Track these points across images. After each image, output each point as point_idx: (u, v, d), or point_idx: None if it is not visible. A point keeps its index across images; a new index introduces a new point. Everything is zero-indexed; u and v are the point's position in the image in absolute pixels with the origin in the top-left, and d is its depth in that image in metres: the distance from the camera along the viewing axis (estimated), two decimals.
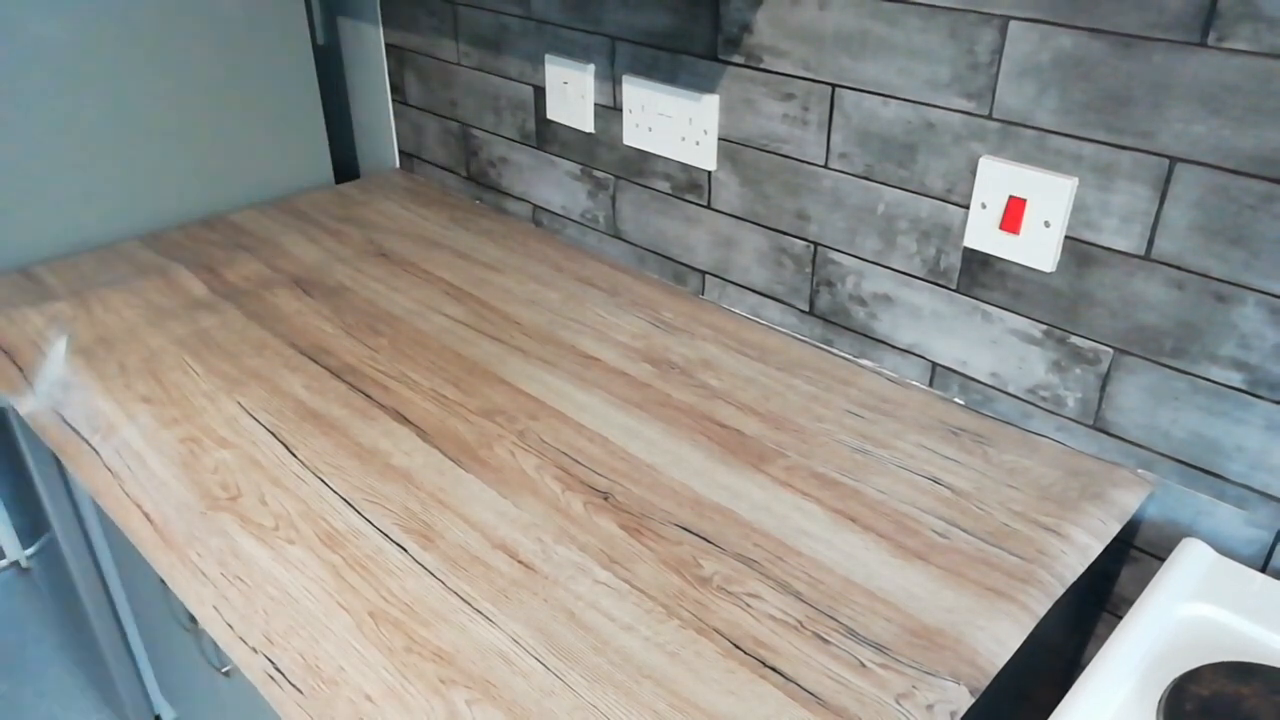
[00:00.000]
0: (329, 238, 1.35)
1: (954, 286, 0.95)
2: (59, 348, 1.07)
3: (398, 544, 0.79)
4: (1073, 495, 0.86)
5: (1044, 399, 0.92)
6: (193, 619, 0.94)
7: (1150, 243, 0.81)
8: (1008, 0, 0.82)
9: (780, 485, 0.87)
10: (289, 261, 1.28)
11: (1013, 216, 0.87)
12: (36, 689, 1.62)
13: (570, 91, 1.24)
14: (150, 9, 1.30)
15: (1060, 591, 0.76)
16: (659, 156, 1.18)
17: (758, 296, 1.14)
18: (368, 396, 0.99)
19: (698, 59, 1.08)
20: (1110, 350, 0.86)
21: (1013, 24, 0.82)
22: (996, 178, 0.87)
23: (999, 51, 0.84)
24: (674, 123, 1.13)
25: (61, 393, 0.99)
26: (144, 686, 1.38)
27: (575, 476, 0.88)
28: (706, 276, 1.19)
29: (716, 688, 0.67)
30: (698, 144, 1.12)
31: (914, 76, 0.90)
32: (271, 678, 0.68)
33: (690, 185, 1.16)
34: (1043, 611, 0.74)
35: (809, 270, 1.07)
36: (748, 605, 0.74)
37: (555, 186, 1.35)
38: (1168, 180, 0.78)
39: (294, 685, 0.67)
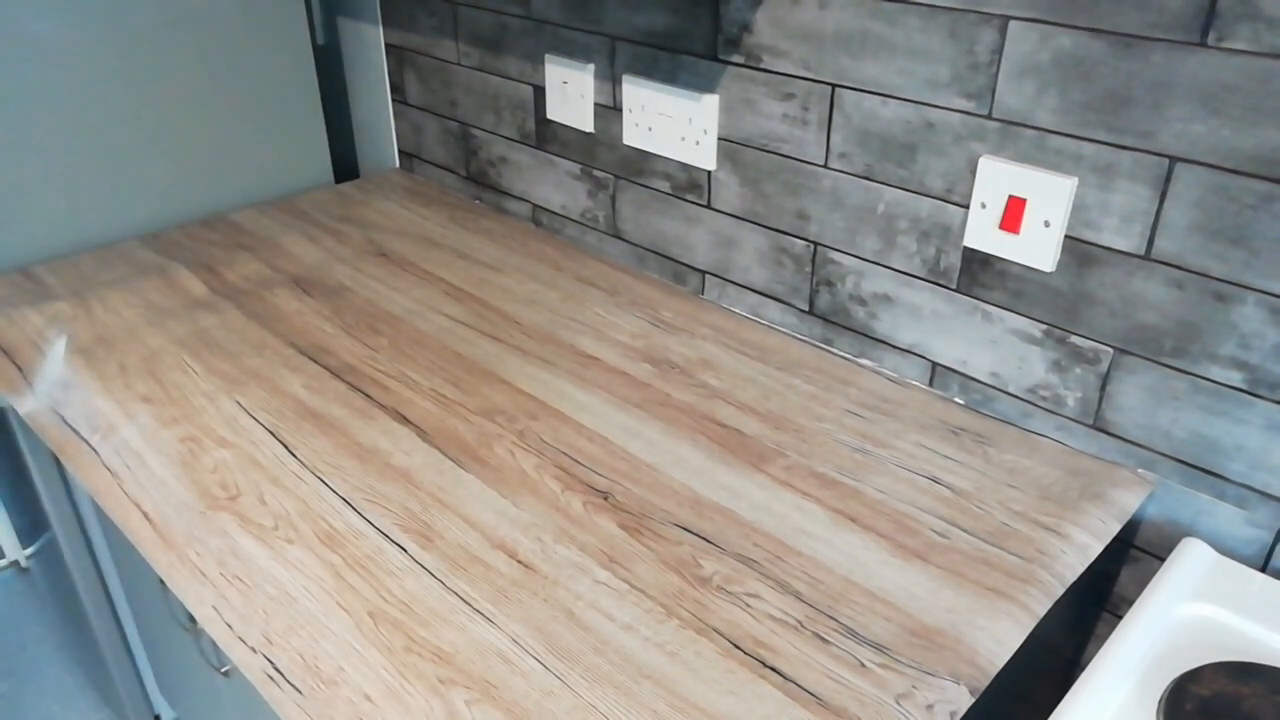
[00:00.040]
0: (329, 237, 1.35)
1: (954, 286, 0.95)
2: (59, 347, 1.07)
3: (397, 544, 0.79)
4: (1073, 495, 0.86)
5: (1044, 398, 0.92)
6: (192, 619, 0.94)
7: (1150, 242, 0.81)
8: (1007, 0, 0.82)
9: (780, 485, 0.87)
10: (289, 261, 1.28)
11: (1013, 216, 0.87)
12: (36, 689, 1.62)
13: (570, 91, 1.24)
14: (150, 9, 1.30)
15: (1060, 591, 0.76)
16: (659, 156, 1.18)
17: (758, 296, 1.14)
18: (367, 396, 0.99)
19: (698, 59, 1.08)
20: (1110, 350, 0.86)
21: (1012, 24, 0.82)
22: (996, 177, 0.87)
23: (999, 51, 0.84)
24: (674, 122, 1.13)
25: (61, 392, 0.99)
26: (143, 686, 1.38)
27: (575, 476, 0.88)
28: (706, 276, 1.19)
29: (716, 688, 0.67)
30: (697, 144, 1.12)
31: (914, 76, 0.90)
32: (271, 678, 0.68)
33: (690, 185, 1.16)
34: (1043, 611, 0.74)
35: (809, 270, 1.07)
36: (747, 605, 0.74)
37: (555, 186, 1.35)
38: (1168, 180, 0.78)
39: (293, 685, 0.67)
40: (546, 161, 1.34)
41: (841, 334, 1.07)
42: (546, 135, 1.32)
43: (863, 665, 0.69)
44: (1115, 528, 0.83)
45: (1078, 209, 0.84)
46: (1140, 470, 0.88)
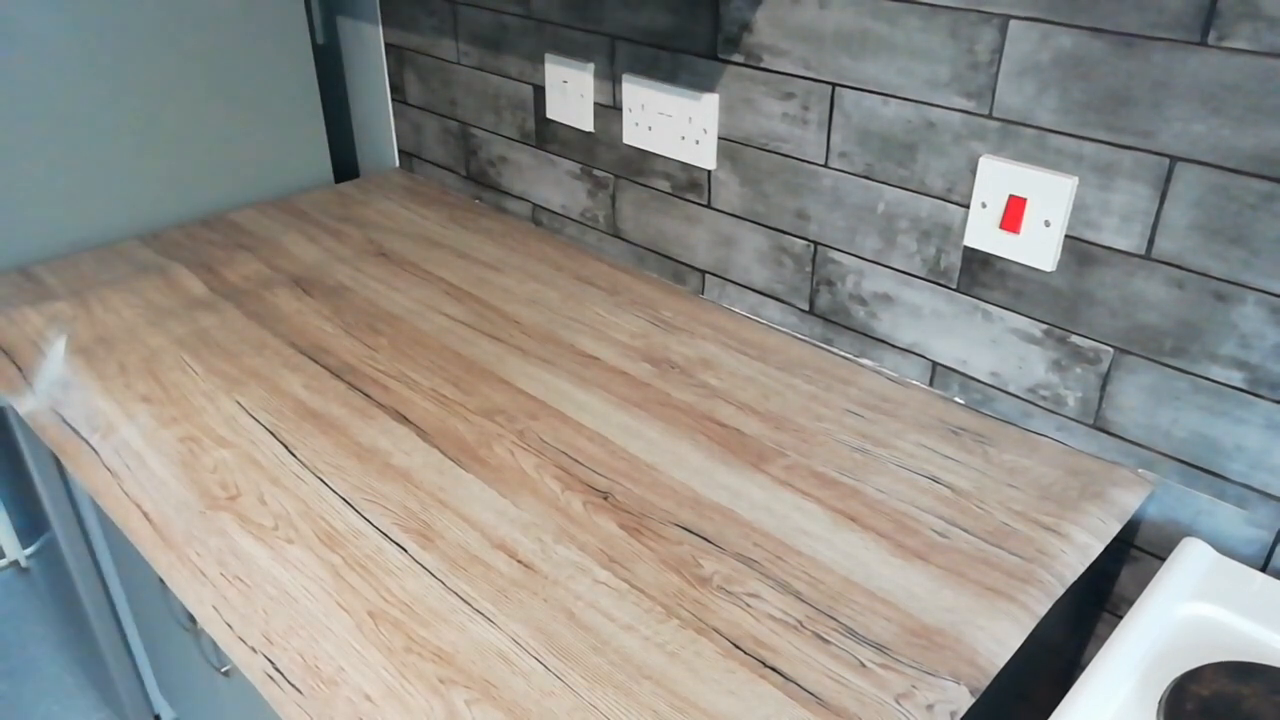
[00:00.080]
0: (329, 237, 1.35)
1: (954, 286, 0.95)
2: (58, 347, 1.07)
3: (397, 544, 0.79)
4: (1073, 495, 0.86)
5: (1044, 398, 0.92)
6: (192, 619, 0.94)
7: (1150, 242, 0.81)
8: (1008, 0, 0.82)
9: (780, 485, 0.87)
10: (289, 261, 1.28)
11: (1013, 216, 0.87)
12: (36, 689, 1.62)
13: (570, 91, 1.24)
14: (150, 9, 1.30)
15: (1060, 591, 0.76)
16: (659, 156, 1.18)
17: (757, 296, 1.14)
18: (367, 396, 0.99)
19: (697, 58, 1.08)
20: (1110, 349, 0.86)
21: (1013, 23, 0.82)
22: (997, 177, 0.87)
23: (999, 51, 0.84)
24: (674, 122, 1.13)
25: (61, 392, 0.99)
26: (143, 686, 1.38)
27: (575, 476, 0.88)
28: (706, 276, 1.19)
29: (716, 688, 0.67)
30: (697, 143, 1.12)
31: (914, 76, 0.90)
32: (271, 678, 0.68)
33: (690, 184, 1.16)
34: (1043, 611, 0.74)
35: (809, 269, 1.07)
36: (748, 605, 0.74)
37: (555, 186, 1.35)
38: (1168, 179, 0.78)
39: (293, 685, 0.67)
40: (546, 161, 1.34)
41: (841, 334, 1.07)
42: (546, 135, 1.32)
43: (863, 665, 0.69)
44: (1115, 528, 0.83)
45: (1078, 208, 0.84)
46: (1140, 470, 0.88)
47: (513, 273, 1.26)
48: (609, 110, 1.21)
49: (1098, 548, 0.81)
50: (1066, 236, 0.85)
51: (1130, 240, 0.82)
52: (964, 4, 0.85)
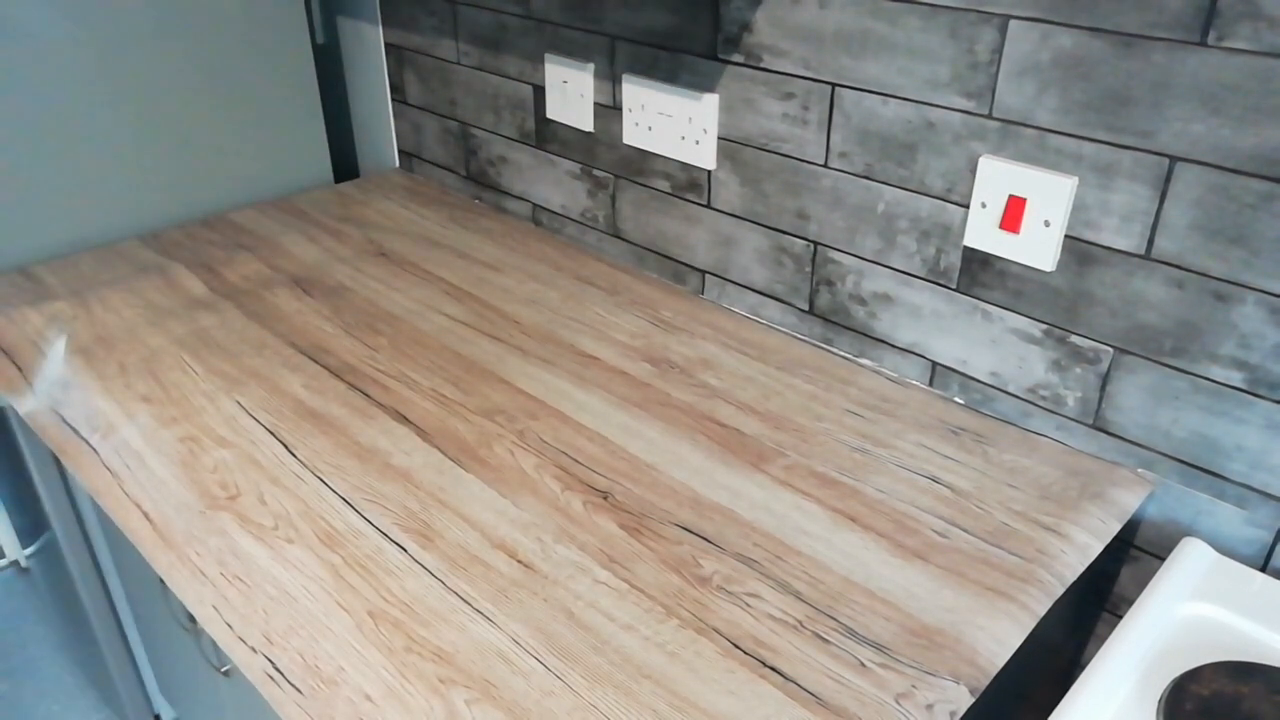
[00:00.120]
0: (329, 237, 1.35)
1: (954, 286, 0.95)
2: (58, 347, 1.07)
3: (397, 544, 0.79)
4: (1073, 495, 0.86)
5: (1044, 398, 0.92)
6: (192, 618, 0.94)
7: (1150, 242, 0.81)
8: (1008, 0, 0.82)
9: (780, 485, 0.87)
10: (289, 261, 1.28)
11: (1013, 216, 0.87)
12: (36, 689, 1.62)
13: (570, 91, 1.24)
14: (150, 9, 1.30)
15: (1060, 591, 0.76)
16: (659, 156, 1.18)
17: (757, 296, 1.14)
18: (367, 396, 0.99)
19: (697, 58, 1.08)
20: (1110, 349, 0.86)
21: (1013, 23, 0.82)
22: (996, 177, 0.87)
23: (999, 51, 0.84)
24: (674, 122, 1.13)
25: (61, 392, 0.99)
26: (144, 686, 1.38)
27: (575, 476, 0.88)
28: (706, 276, 1.19)
29: (716, 687, 0.67)
30: (697, 143, 1.12)
31: (914, 76, 0.90)
32: (271, 678, 0.68)
33: (690, 184, 1.16)
34: (1043, 611, 0.74)
35: (809, 269, 1.07)
36: (747, 605, 0.74)
37: (555, 186, 1.35)
38: (1168, 179, 0.78)
39: (294, 685, 0.67)
40: (546, 161, 1.34)
41: (841, 333, 1.07)
42: (546, 135, 1.32)
43: (863, 665, 0.69)
44: (1115, 527, 0.83)
45: (1078, 208, 0.84)
46: (1140, 470, 0.88)
47: (513, 273, 1.26)
48: (609, 110, 1.21)
49: (1097, 548, 0.81)
50: (1066, 236, 0.85)
51: (1130, 240, 0.82)
52: (964, 4, 0.85)
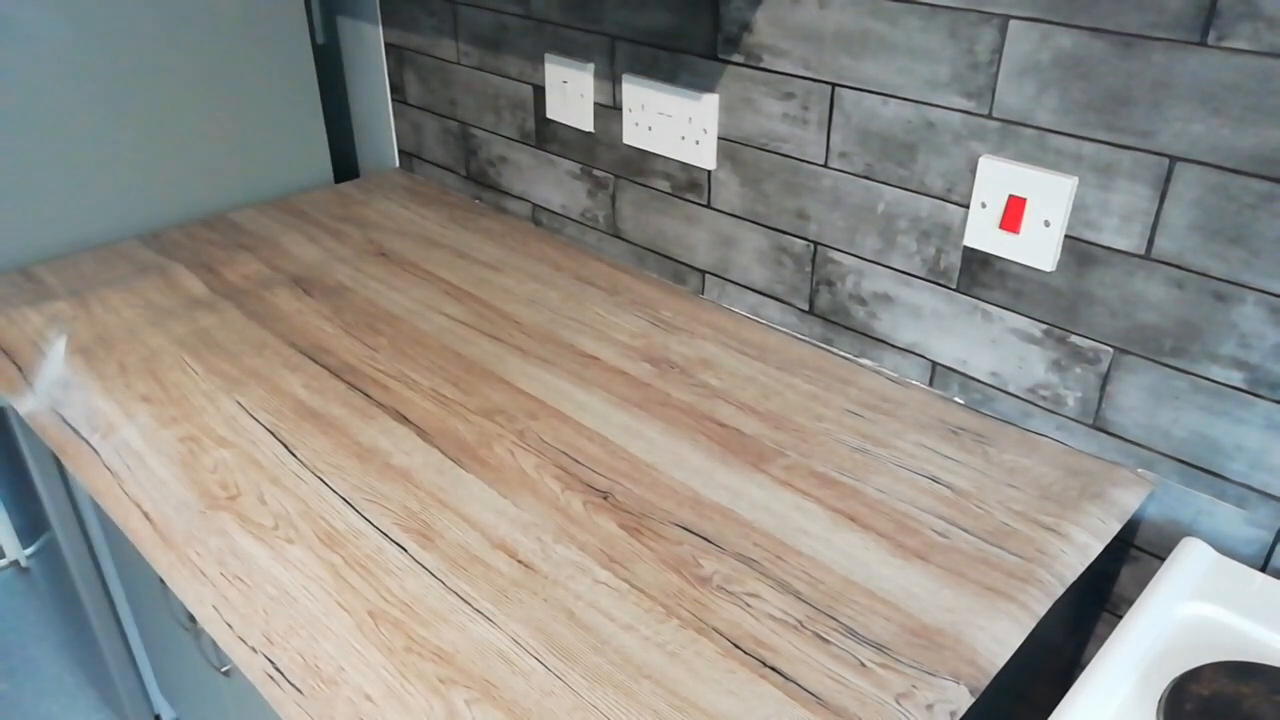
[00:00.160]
0: (329, 237, 1.35)
1: (954, 286, 0.95)
2: (58, 347, 1.07)
3: (397, 544, 0.79)
4: (1073, 495, 0.86)
5: (1044, 398, 0.92)
6: (192, 618, 0.94)
7: (1150, 242, 0.81)
8: (1008, 0, 0.82)
9: (780, 485, 0.87)
10: (289, 261, 1.28)
11: (1013, 216, 0.87)
12: (36, 688, 1.62)
13: (570, 91, 1.24)
14: (150, 9, 1.30)
15: (1060, 591, 0.76)
16: (659, 156, 1.18)
17: (757, 296, 1.14)
18: (367, 396, 0.99)
19: (697, 58, 1.08)
20: (1110, 349, 0.86)
21: (1012, 23, 0.82)
22: (996, 177, 0.87)
23: (999, 51, 0.84)
24: (674, 122, 1.13)
25: (61, 392, 0.99)
26: (144, 686, 1.38)
27: (575, 476, 0.88)
28: (706, 276, 1.19)
29: (716, 687, 0.67)
30: (697, 143, 1.12)
31: (914, 76, 0.90)
32: (271, 677, 0.68)
33: (690, 184, 1.16)
34: (1043, 611, 0.74)
35: (809, 269, 1.07)
36: (747, 605, 0.74)
37: (555, 186, 1.35)
38: (1168, 179, 0.78)
39: (294, 685, 0.67)
40: (546, 161, 1.34)
41: (841, 333, 1.07)
42: (546, 135, 1.32)
43: (863, 665, 0.69)
44: (1115, 527, 0.83)
45: (1078, 208, 0.84)
46: (1140, 470, 0.88)
47: (513, 273, 1.26)
48: (609, 110, 1.21)
49: (1097, 548, 0.81)
50: (1066, 236, 0.85)
51: (1130, 240, 0.82)
52: (964, 4, 0.85)
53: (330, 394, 0.99)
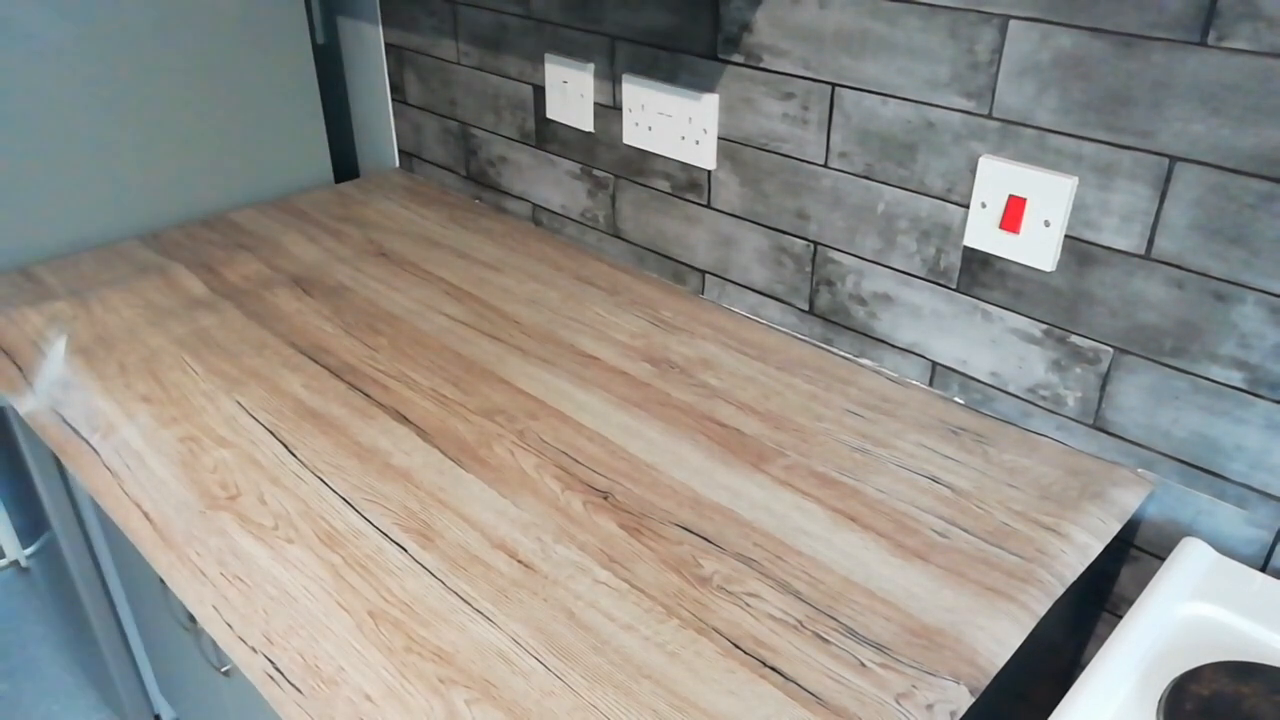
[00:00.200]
0: (329, 237, 1.35)
1: (954, 286, 0.95)
2: (58, 347, 1.07)
3: (397, 544, 0.79)
4: (1073, 494, 0.86)
5: (1044, 398, 0.92)
6: (192, 618, 0.94)
7: (1150, 242, 0.81)
8: (1008, 0, 0.82)
9: (780, 485, 0.87)
10: (289, 261, 1.28)
11: (1013, 216, 0.87)
12: (36, 688, 1.62)
13: (570, 91, 1.24)
14: (150, 8, 1.30)
15: (1060, 591, 0.76)
16: (659, 156, 1.18)
17: (757, 296, 1.14)
18: (367, 396, 0.99)
19: (697, 58, 1.08)
20: (1110, 349, 0.86)
21: (1012, 23, 0.82)
22: (996, 177, 0.87)
23: (999, 51, 0.84)
24: (674, 122, 1.13)
25: (61, 392, 0.99)
26: (143, 686, 1.38)
27: (575, 476, 0.88)
28: (706, 276, 1.19)
29: (716, 687, 0.67)
30: (697, 143, 1.12)
31: (914, 76, 0.90)
32: (271, 677, 0.68)
33: (690, 184, 1.16)
34: (1043, 611, 0.74)
35: (809, 269, 1.07)
36: (747, 605, 0.74)
37: (555, 186, 1.35)
38: (1168, 179, 0.78)
39: (294, 685, 0.67)
40: (546, 161, 1.34)
41: (841, 333, 1.07)
42: (546, 135, 1.32)
43: (863, 665, 0.69)
44: (1115, 527, 0.83)
45: (1078, 208, 0.84)
46: (1140, 470, 0.88)
47: (513, 273, 1.26)
48: (609, 110, 1.21)
49: (1097, 548, 0.81)
50: (1066, 236, 0.85)
51: (1130, 240, 0.82)
52: (964, 4, 0.85)
53: (330, 394, 0.99)
